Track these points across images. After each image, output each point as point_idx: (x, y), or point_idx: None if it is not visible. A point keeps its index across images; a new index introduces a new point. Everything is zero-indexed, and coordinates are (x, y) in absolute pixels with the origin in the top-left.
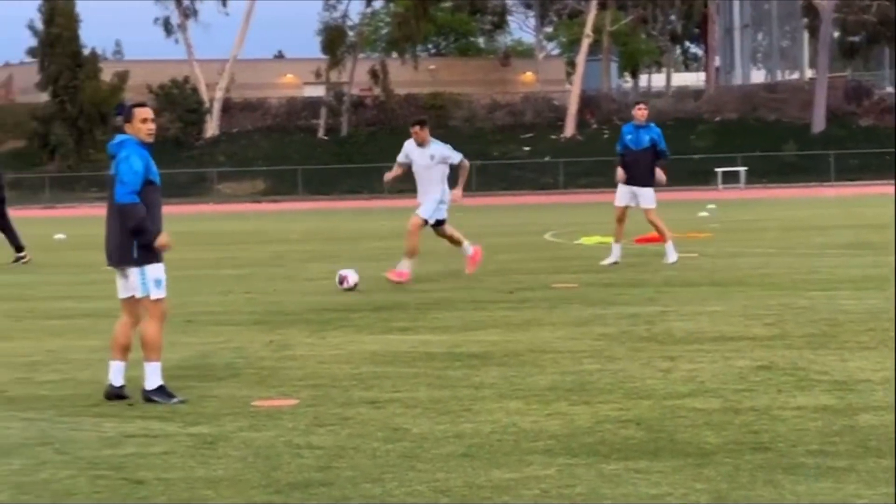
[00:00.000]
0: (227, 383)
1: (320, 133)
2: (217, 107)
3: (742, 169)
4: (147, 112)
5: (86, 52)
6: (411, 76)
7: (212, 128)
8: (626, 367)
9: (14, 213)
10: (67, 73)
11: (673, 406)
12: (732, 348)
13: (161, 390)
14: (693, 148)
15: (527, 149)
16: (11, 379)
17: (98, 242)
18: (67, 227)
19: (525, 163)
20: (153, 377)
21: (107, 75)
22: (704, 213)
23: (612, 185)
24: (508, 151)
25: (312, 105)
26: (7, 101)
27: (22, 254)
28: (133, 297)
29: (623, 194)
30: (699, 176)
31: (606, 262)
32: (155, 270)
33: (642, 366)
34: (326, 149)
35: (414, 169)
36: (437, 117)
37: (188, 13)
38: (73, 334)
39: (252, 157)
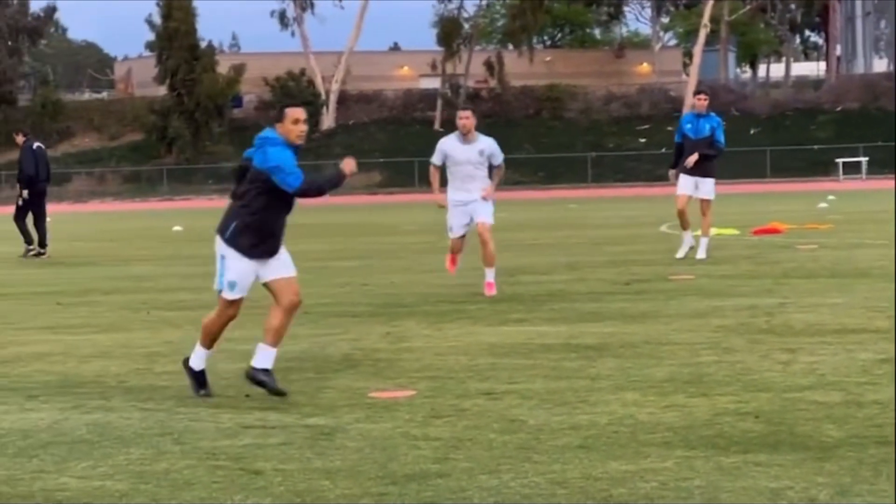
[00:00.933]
0: (343, 375)
1: (436, 125)
2: (333, 99)
3: (863, 159)
4: (300, 113)
5: (202, 45)
6: (527, 68)
7: (328, 120)
8: (745, 360)
9: (133, 206)
10: (185, 66)
11: (793, 399)
12: (854, 340)
13: (266, 372)
14: (813, 138)
15: (643, 140)
16: (131, 370)
17: (213, 234)
18: (184, 219)
19: (641, 154)
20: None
21: (223, 68)
22: (824, 204)
23: (729, 175)
24: (624, 143)
25: (428, 97)
26: (126, 94)
27: (32, 247)
28: (291, 277)
29: (685, 184)
30: (819, 167)
31: (680, 254)
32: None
33: (761, 358)
34: None
35: (454, 168)
36: (553, 109)
37: (304, 6)
38: (190, 326)
39: (368, 149)
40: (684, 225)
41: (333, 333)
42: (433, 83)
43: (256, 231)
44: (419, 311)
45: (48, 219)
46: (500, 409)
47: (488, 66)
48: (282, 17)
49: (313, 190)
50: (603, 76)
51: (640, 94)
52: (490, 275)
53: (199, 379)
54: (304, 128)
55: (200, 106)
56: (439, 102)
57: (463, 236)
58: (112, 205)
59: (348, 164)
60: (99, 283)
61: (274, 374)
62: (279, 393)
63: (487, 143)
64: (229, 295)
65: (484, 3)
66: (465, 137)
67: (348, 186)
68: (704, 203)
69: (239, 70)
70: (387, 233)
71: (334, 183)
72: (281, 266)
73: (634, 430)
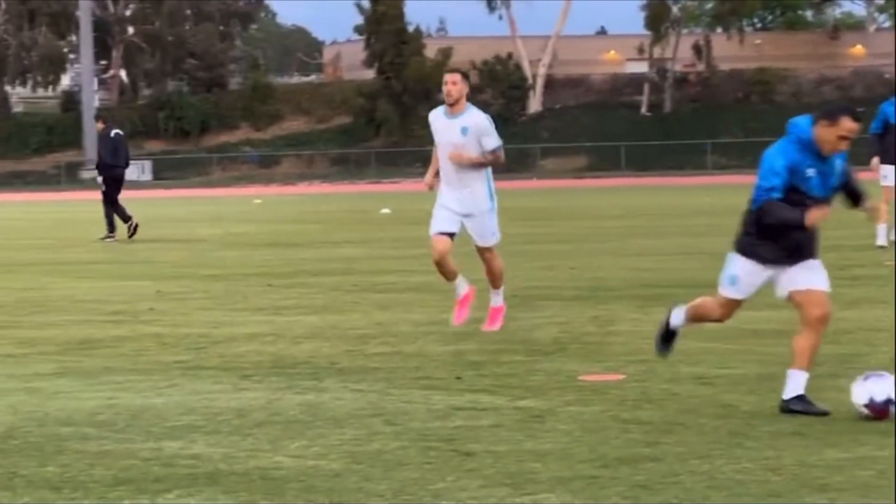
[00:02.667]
0: (553, 358)
1: (643, 109)
2: (540, 83)
3: None
4: (852, 127)
5: (410, 29)
6: (736, 51)
7: (535, 104)
8: None
9: (341, 188)
10: (392, 50)
11: None
12: None
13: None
14: None
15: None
16: (342, 351)
17: (422, 217)
18: (392, 201)
19: (857, 138)
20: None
21: (430, 52)
22: None
23: None
24: None
25: (635, 81)
26: (335, 78)
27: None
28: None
29: (890, 174)
30: None
31: (881, 241)
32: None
33: None
34: (649, 125)
35: (439, 151)
36: (762, 93)
37: None
38: (399, 308)
39: (575, 133)
40: (884, 216)
41: (542, 317)
42: (640, 67)
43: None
44: (626, 294)
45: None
46: (712, 393)
47: (696, 49)
48: (489, 1)
49: (766, 214)
50: (814, 59)
51: (853, 77)
52: (497, 299)
53: (667, 337)
54: (845, 145)
55: (408, 89)
56: (646, 87)
57: (450, 235)
58: (320, 187)
59: (814, 216)
60: (308, 265)
61: (808, 396)
62: (823, 413)
63: (476, 120)
64: (725, 291)
65: None
66: (451, 109)
67: (554, 170)
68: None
69: (446, 54)
70: (592, 216)
71: (791, 223)
72: (807, 274)
73: (851, 417)
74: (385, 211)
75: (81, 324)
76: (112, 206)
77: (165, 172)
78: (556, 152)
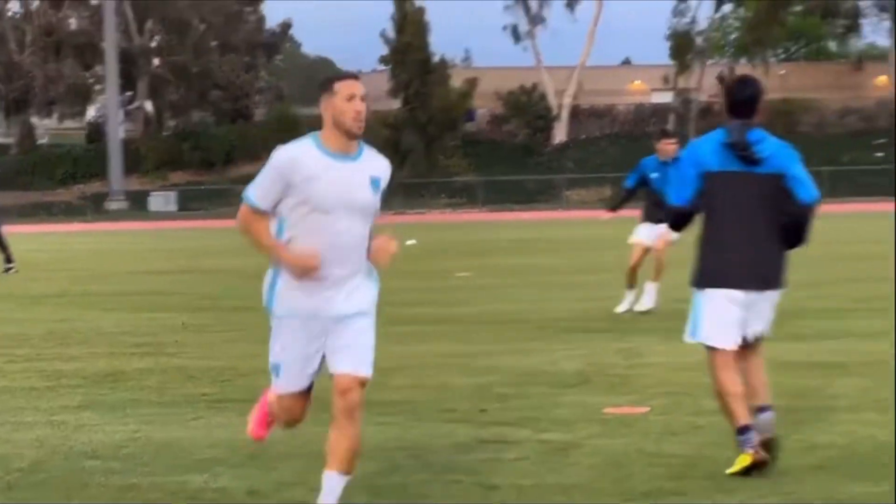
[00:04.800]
0: (578, 390)
1: None
2: (565, 113)
3: None
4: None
5: (435, 59)
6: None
7: (560, 134)
8: None
9: None
10: (417, 80)
11: None
12: None
13: None
14: None
15: (879, 154)
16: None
17: (446, 248)
18: (417, 232)
19: (877, 169)
20: None
21: (456, 82)
22: None
23: None
24: (859, 157)
25: (660, 111)
26: None
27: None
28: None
29: (646, 232)
30: None
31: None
32: None
33: None
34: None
35: None
36: (786, 123)
37: (537, 20)
38: (424, 340)
39: (600, 163)
40: None
41: (567, 348)
42: (665, 98)
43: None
44: (653, 327)
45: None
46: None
47: (720, 79)
48: (514, 31)
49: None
50: (838, 89)
51: (877, 108)
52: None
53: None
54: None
55: (433, 120)
56: (672, 117)
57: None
58: None
59: None
60: None
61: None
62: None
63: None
64: None
65: (717, 15)
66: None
67: (579, 201)
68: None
69: (472, 84)
70: (619, 247)
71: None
72: None
73: (875, 450)
74: (411, 242)
75: (107, 356)
76: None
77: (191, 203)
78: (581, 183)
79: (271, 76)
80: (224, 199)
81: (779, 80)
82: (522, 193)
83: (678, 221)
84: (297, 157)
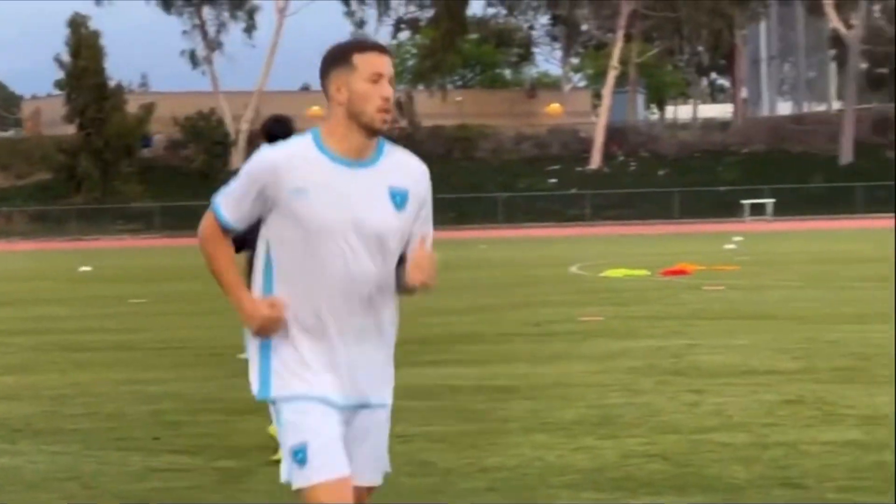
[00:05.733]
0: (252, 417)
1: None
2: (243, 139)
3: (769, 201)
4: None
5: (112, 84)
6: (438, 108)
7: (237, 160)
8: (653, 401)
9: (40, 245)
10: (93, 105)
11: (700, 440)
12: (760, 382)
13: None
14: (720, 180)
15: (553, 181)
16: (38, 412)
17: (121, 274)
18: (93, 259)
19: (551, 195)
20: None
21: (133, 107)
22: (731, 246)
23: (639, 216)
24: (534, 183)
25: None
26: (35, 133)
27: None
28: None
29: None
30: (726, 208)
31: None
32: None
33: (669, 399)
34: None
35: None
36: (464, 149)
37: (214, 46)
38: (98, 367)
39: None
40: None
41: (242, 376)
42: None
43: None
44: None
45: None
46: (411, 451)
47: (398, 105)
48: (192, 56)
49: None
50: (513, 116)
51: (550, 135)
52: None
53: None
54: None
55: (109, 145)
56: None
57: None
58: (19, 244)
59: None
60: (5, 324)
61: None
62: None
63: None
64: None
65: (395, 42)
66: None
67: None
68: None
69: (149, 109)
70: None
71: None
72: None
73: (543, 472)
74: (85, 268)
75: None
76: None
77: None
78: None
79: None
80: None
81: (455, 106)
82: (198, 220)
83: None
84: (282, 162)
